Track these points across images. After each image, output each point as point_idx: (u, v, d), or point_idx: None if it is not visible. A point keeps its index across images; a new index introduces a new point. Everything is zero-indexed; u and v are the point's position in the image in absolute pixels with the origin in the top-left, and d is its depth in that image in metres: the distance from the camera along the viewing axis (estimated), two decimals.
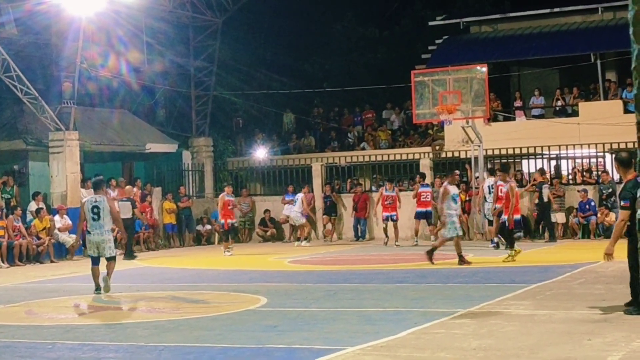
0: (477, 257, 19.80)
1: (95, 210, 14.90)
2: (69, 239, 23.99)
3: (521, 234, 24.85)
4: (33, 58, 26.02)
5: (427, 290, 14.12)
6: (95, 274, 15.11)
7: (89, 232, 15.15)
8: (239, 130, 35.80)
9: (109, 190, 25.98)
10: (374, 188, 28.45)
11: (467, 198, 25.93)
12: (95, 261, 15.15)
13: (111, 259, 15.22)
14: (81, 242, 24.05)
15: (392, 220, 24.65)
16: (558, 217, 24.93)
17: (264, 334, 10.27)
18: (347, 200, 27.71)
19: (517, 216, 20.15)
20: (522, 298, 12.55)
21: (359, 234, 27.20)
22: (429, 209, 24.59)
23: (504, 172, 21.38)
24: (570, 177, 27.72)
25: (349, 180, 29.22)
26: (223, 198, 23.67)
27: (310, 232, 26.41)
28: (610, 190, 24.18)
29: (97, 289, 15.00)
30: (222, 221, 23.74)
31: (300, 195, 26.50)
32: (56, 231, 23.93)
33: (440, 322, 10.61)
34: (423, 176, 25.50)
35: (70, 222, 24.23)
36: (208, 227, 28.74)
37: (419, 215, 24.84)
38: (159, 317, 12.14)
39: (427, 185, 25.19)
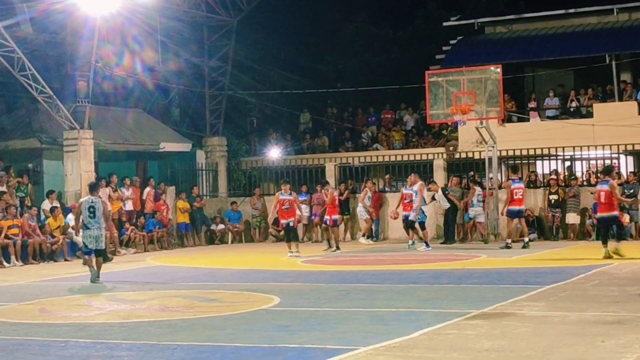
0: (491, 259, 19.81)
1: (91, 209, 16.77)
2: (81, 239, 23.96)
3: (535, 235, 24.84)
4: (48, 57, 26.13)
5: (440, 290, 14.14)
6: (90, 263, 16.88)
7: (87, 228, 16.81)
8: (253, 130, 35.84)
9: (122, 189, 26.23)
10: (386, 188, 28.41)
11: (482, 199, 25.83)
12: (90, 252, 16.97)
13: (102, 254, 17.13)
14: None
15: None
16: (572, 219, 24.84)
17: (277, 334, 10.28)
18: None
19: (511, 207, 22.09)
20: (536, 299, 12.51)
21: (372, 234, 27.15)
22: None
23: (514, 172, 22.46)
24: (584, 178, 27.60)
25: (366, 180, 29.09)
26: (278, 197, 22.31)
27: (369, 229, 26.13)
28: (632, 191, 24.04)
29: (97, 276, 16.72)
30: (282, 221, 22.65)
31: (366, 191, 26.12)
32: (70, 230, 23.96)
33: (453, 323, 10.58)
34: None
35: None
36: (221, 226, 28.78)
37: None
38: (172, 316, 12.16)
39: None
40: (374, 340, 9.58)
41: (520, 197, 22.65)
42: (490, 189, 25.66)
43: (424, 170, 27.96)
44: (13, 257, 22.10)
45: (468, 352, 8.86)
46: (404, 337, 9.71)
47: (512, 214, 22.67)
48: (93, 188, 17.46)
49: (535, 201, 25.76)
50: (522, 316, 11.02)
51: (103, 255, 17.32)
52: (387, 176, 28.87)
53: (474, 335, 9.78)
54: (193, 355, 9.30)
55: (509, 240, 22.41)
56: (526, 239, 22.54)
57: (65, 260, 23.08)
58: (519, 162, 27.59)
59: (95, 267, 16.88)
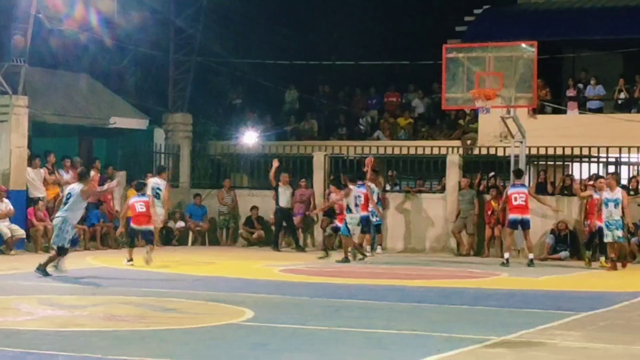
0: (513, 278, 19.89)
1: (68, 196, 18.24)
2: (7, 229, 23.92)
3: (567, 253, 24.91)
4: None
5: (451, 312, 14.17)
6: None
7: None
8: (235, 109, 35.60)
9: (61, 171, 26.13)
10: (388, 187, 28.41)
11: (502, 206, 25.87)
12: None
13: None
14: (24, 233, 24.36)
15: None
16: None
17: (251, 353, 10.25)
18: None
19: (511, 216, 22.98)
20: (570, 328, 12.53)
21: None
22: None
23: (518, 178, 23.39)
24: (631, 186, 27.66)
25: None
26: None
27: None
28: None
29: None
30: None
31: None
32: None
33: (468, 351, 10.58)
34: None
35: (11, 207, 24.21)
36: (181, 223, 28.69)
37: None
38: (119, 326, 12.13)
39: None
40: None
41: (523, 203, 22.98)
42: None
43: (435, 167, 27.98)
44: None
45: None
46: None
47: (512, 224, 23.06)
48: (83, 176, 19.07)
49: (570, 212, 25.79)
50: (555, 346, 11.03)
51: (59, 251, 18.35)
52: (390, 172, 28.85)
53: None
54: None
55: (507, 255, 22.84)
56: (506, 255, 22.90)
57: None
58: (552, 162, 27.69)
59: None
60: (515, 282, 19.23)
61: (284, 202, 27.28)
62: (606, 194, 21.64)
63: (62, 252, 18.28)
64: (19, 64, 25.03)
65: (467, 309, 14.61)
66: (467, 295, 16.51)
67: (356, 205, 22.87)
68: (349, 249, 22.98)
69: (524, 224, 23.11)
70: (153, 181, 24.74)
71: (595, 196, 22.47)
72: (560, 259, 24.49)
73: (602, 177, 23.41)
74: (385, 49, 37.10)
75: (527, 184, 24.81)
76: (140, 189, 22.47)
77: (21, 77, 25.14)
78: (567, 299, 16.28)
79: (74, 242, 19.15)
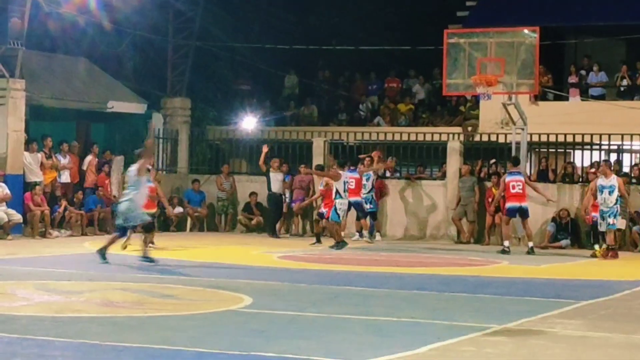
0: (514, 266, 19.92)
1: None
2: (4, 214, 23.92)
3: (568, 241, 24.91)
4: None
5: (452, 300, 14.18)
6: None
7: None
8: (244, 95, 35.47)
9: (58, 156, 26.11)
10: (387, 173, 28.40)
11: (502, 194, 25.84)
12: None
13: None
14: (21, 218, 24.35)
15: None
16: (618, 223, 24.84)
17: (249, 340, 10.24)
18: None
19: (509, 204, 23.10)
20: (571, 316, 12.55)
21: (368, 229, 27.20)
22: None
23: (515, 165, 23.56)
24: (633, 174, 27.65)
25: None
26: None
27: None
28: None
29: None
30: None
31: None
32: None
33: (469, 339, 10.58)
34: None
35: (8, 192, 24.18)
36: (179, 209, 28.68)
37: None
38: (116, 313, 12.14)
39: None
40: (370, 352, 9.57)
41: (520, 191, 23.06)
42: None
43: (435, 154, 27.98)
44: None
45: None
46: (408, 352, 9.69)
47: (511, 212, 23.19)
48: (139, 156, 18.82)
49: (571, 200, 25.81)
50: (555, 335, 11.04)
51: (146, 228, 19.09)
52: (390, 159, 28.80)
53: (496, 355, 9.79)
54: (144, 359, 9.26)
55: (507, 243, 22.96)
56: (506, 243, 23.04)
57: None
58: (553, 150, 27.69)
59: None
60: (515, 270, 19.27)
61: (275, 187, 27.26)
62: (601, 181, 21.64)
63: (124, 233, 18.87)
64: (16, 47, 24.96)
65: (468, 296, 14.63)
66: (468, 283, 16.52)
67: (345, 190, 22.88)
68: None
69: (523, 212, 23.19)
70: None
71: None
72: (561, 247, 24.51)
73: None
74: (386, 33, 36.99)
75: (523, 171, 24.77)
76: None
77: (18, 60, 25.09)
78: (568, 287, 16.32)
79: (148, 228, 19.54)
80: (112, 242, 18.49)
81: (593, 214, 22.37)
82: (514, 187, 23.03)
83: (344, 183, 22.81)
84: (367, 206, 25.22)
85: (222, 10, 33.54)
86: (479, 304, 13.78)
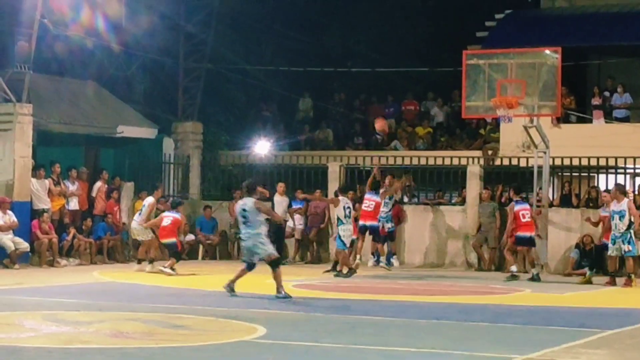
0: (536, 294, 19.90)
1: (244, 213, 17.98)
2: (10, 242, 23.98)
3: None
4: None
5: (472, 329, 14.16)
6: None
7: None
8: (268, 120, 35.47)
9: (67, 182, 26.17)
10: (405, 199, 28.39)
11: (510, 225, 25.82)
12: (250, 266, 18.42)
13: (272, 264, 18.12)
14: (29, 247, 24.39)
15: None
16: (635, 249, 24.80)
17: None
18: None
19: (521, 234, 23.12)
20: (596, 346, 12.51)
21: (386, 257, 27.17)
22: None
23: (517, 193, 23.67)
24: None
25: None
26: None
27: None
28: None
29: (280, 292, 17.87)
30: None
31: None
32: None
33: None
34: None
35: (15, 219, 24.24)
36: (191, 237, 28.70)
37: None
38: (126, 344, 12.14)
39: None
40: None
41: (530, 220, 23.28)
42: (538, 205, 25.64)
43: (455, 179, 27.97)
44: None
45: None
46: None
47: (522, 242, 23.33)
48: (251, 189, 18.49)
49: (596, 226, 25.68)
50: None
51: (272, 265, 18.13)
52: (408, 183, 28.80)
53: None
54: None
55: (535, 270, 23.07)
56: (514, 268, 23.23)
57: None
58: (577, 173, 27.65)
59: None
60: (538, 298, 19.22)
61: (279, 213, 27.15)
62: (613, 207, 21.68)
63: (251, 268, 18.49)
64: (23, 70, 25.08)
65: (489, 326, 14.62)
66: (489, 312, 16.52)
67: (346, 216, 23.02)
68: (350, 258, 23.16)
69: (532, 242, 23.29)
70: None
71: (602, 213, 22.79)
72: (585, 275, 24.41)
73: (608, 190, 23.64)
74: (403, 55, 37.14)
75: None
76: (176, 206, 23.89)
77: (25, 84, 25.19)
78: (593, 316, 16.34)
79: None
80: (239, 276, 18.48)
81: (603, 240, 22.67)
82: (524, 217, 23.16)
83: (344, 209, 23.01)
84: (388, 225, 25.22)
85: (234, 33, 33.71)
86: (501, 333, 13.76)
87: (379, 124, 24.85)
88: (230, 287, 18.22)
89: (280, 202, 27.33)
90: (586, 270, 24.39)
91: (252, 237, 17.99)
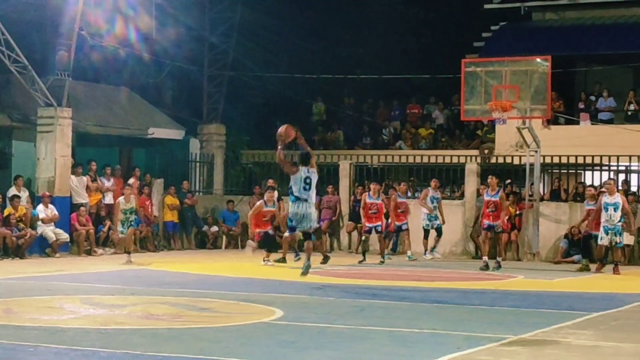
0: (529, 280, 19.83)
1: (307, 180, 17.29)
2: (52, 234, 24.03)
3: (580, 256, 24.73)
4: (26, 21, 25.98)
5: (470, 312, 14.11)
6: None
7: (298, 199, 17.09)
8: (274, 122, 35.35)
9: (102, 179, 26.21)
10: (409, 193, 28.30)
11: (518, 212, 25.80)
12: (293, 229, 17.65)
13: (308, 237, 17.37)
14: (68, 237, 24.45)
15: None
16: (625, 239, 24.70)
17: (281, 350, 10.23)
18: None
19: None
20: (583, 327, 12.47)
21: (391, 246, 27.12)
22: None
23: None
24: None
25: (384, 183, 29.08)
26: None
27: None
28: None
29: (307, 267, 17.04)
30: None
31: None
32: (39, 222, 23.98)
33: (487, 349, 10.53)
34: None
35: (56, 212, 24.29)
36: (215, 228, 28.73)
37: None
38: (157, 325, 12.15)
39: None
40: None
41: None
42: (530, 200, 25.60)
43: (454, 175, 27.94)
44: None
45: None
46: None
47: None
48: (306, 160, 17.64)
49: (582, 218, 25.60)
50: (568, 345, 10.97)
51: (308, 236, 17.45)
52: (411, 180, 28.79)
53: None
54: None
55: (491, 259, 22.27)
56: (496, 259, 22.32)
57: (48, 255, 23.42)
58: (565, 170, 27.59)
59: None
60: (530, 284, 19.18)
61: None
62: (606, 199, 21.47)
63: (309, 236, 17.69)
64: (63, 77, 25.11)
65: (486, 309, 14.60)
66: (486, 297, 16.48)
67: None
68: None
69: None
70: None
71: (586, 207, 22.62)
72: (573, 262, 24.34)
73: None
74: (407, 63, 37.08)
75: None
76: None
77: (65, 90, 25.22)
78: (580, 299, 16.29)
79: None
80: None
81: (587, 229, 22.50)
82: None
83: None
84: (437, 222, 25.12)
85: (254, 43, 33.70)
86: (496, 315, 13.72)
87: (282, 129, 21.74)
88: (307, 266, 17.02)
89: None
90: (574, 257, 24.38)
91: (311, 204, 17.26)
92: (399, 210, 24.70)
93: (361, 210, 24.02)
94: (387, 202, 24.60)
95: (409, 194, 27.97)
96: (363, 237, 24.54)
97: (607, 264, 21.70)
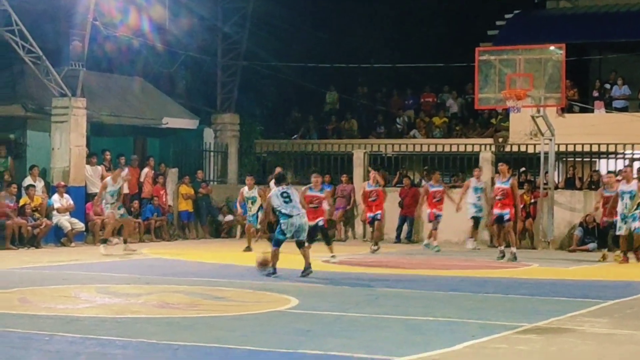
0: (544, 268, 19.81)
1: (285, 195, 16.77)
2: (67, 223, 24.10)
3: (595, 244, 24.68)
4: (40, 11, 26.00)
5: (485, 300, 14.11)
6: (273, 256, 17.01)
7: (289, 216, 16.66)
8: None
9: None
10: (423, 182, 28.32)
11: (532, 200, 25.75)
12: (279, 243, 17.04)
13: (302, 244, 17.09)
14: (84, 227, 24.52)
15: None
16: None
17: (296, 338, 10.25)
18: (393, 195, 27.59)
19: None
20: (598, 315, 12.44)
21: (406, 234, 27.15)
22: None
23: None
24: None
25: (398, 172, 29.12)
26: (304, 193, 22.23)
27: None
28: None
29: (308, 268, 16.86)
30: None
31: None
32: (54, 212, 24.05)
33: (502, 337, 10.53)
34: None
35: (71, 202, 24.35)
36: (229, 217, 28.75)
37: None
38: (172, 314, 12.19)
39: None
40: (409, 350, 9.55)
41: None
42: (544, 188, 25.55)
43: (469, 164, 27.88)
44: None
45: None
46: (445, 349, 9.67)
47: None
48: (281, 179, 17.47)
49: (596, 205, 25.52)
50: (583, 333, 10.95)
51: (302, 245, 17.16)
52: (425, 169, 28.76)
53: (527, 352, 9.73)
54: (198, 357, 9.31)
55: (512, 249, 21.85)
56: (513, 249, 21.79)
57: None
58: (580, 159, 27.52)
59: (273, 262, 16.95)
60: (545, 272, 19.13)
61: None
62: (622, 187, 21.23)
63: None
64: (77, 68, 25.15)
65: (500, 297, 14.56)
66: (500, 285, 16.43)
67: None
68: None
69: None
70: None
71: (605, 194, 22.00)
72: (588, 250, 24.30)
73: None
74: (421, 52, 36.97)
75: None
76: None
77: (79, 80, 25.26)
78: (595, 288, 16.23)
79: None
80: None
81: (605, 219, 21.89)
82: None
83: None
84: (482, 213, 24.17)
85: (267, 33, 33.63)
86: (511, 304, 13.71)
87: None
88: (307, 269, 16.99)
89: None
90: (589, 245, 24.33)
91: (303, 215, 16.94)
92: (434, 200, 23.95)
93: (361, 199, 23.87)
94: (404, 190, 24.48)
95: (424, 183, 27.94)
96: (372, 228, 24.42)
97: (629, 250, 21.50)
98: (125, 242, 22.58)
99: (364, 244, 26.28)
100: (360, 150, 29.23)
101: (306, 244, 17.34)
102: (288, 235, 16.91)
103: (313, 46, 37.02)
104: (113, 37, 27.80)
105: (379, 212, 23.50)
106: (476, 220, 24.04)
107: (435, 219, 23.99)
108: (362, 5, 39.66)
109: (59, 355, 9.21)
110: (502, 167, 22.12)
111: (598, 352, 9.86)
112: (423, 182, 25.60)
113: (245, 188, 23.74)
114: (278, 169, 25.63)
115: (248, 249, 22.77)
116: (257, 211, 23.34)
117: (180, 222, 28.00)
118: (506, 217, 21.38)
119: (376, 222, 23.65)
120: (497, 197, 21.68)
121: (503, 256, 21.45)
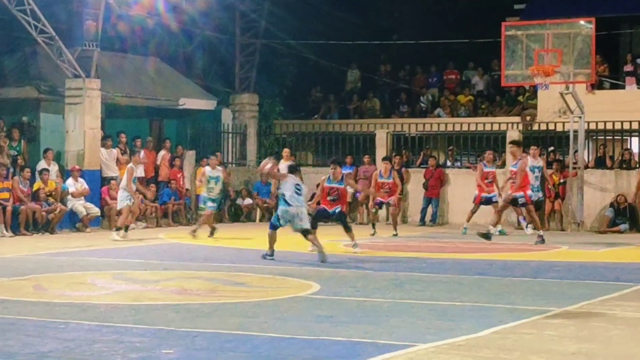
0: (573, 251, 19.77)
1: (298, 187, 17.15)
2: (82, 208, 24.19)
3: (627, 225, 24.63)
4: None
5: (512, 284, 14.11)
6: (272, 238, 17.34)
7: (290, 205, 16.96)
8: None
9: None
10: (448, 162, 28.31)
11: (562, 180, 25.67)
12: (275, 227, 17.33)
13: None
14: (99, 211, 24.62)
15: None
16: None
17: (318, 325, 10.27)
18: (417, 176, 27.58)
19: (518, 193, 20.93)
20: (630, 299, 12.44)
21: (430, 217, 27.13)
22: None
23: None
24: None
25: (422, 152, 29.07)
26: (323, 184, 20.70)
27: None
28: None
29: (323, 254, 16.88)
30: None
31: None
32: (69, 197, 24.14)
33: (530, 322, 10.54)
34: None
35: (86, 186, 24.46)
36: (249, 201, 28.80)
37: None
38: (191, 300, 12.23)
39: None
40: (434, 336, 9.57)
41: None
42: (574, 168, 25.46)
43: (495, 143, 27.80)
44: (2, 227, 22.25)
45: (550, 355, 8.80)
46: (472, 335, 9.68)
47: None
48: (294, 170, 18.00)
49: (629, 185, 25.47)
50: (614, 317, 10.95)
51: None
52: (450, 149, 28.74)
53: (557, 337, 9.72)
54: (218, 344, 9.33)
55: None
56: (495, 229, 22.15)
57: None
58: (610, 137, 27.40)
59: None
60: (575, 254, 19.13)
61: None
62: None
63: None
64: (91, 48, 25.18)
65: (529, 280, 14.57)
66: (529, 268, 16.44)
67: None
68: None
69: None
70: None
71: None
72: (619, 232, 24.23)
73: None
74: (445, 27, 36.82)
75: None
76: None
77: (93, 61, 25.31)
78: (627, 270, 16.18)
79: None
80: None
81: None
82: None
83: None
84: (539, 195, 22.79)
85: (286, 10, 33.55)
86: (540, 287, 13.70)
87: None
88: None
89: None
90: (620, 227, 24.27)
91: (303, 205, 17.29)
92: (486, 181, 23.81)
93: (373, 183, 23.50)
94: (428, 171, 24.38)
95: (448, 163, 27.95)
96: (374, 210, 24.34)
97: None
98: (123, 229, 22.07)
99: (387, 227, 26.24)
100: (383, 130, 29.22)
101: (311, 231, 17.50)
102: (282, 223, 17.20)
103: (333, 23, 36.87)
104: (127, 17, 27.81)
105: (392, 198, 23.43)
106: (536, 203, 22.71)
107: (484, 202, 23.67)
108: None
109: (74, 343, 9.26)
110: (512, 148, 22.11)
111: (631, 336, 9.84)
112: (448, 163, 25.49)
113: (208, 168, 23.39)
114: (286, 150, 25.94)
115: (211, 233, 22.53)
116: (219, 193, 23.33)
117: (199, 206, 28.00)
118: (520, 200, 21.18)
119: (391, 208, 23.90)
120: (510, 180, 21.67)
121: (542, 241, 21.20)
